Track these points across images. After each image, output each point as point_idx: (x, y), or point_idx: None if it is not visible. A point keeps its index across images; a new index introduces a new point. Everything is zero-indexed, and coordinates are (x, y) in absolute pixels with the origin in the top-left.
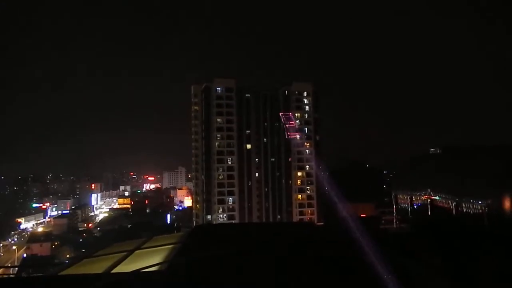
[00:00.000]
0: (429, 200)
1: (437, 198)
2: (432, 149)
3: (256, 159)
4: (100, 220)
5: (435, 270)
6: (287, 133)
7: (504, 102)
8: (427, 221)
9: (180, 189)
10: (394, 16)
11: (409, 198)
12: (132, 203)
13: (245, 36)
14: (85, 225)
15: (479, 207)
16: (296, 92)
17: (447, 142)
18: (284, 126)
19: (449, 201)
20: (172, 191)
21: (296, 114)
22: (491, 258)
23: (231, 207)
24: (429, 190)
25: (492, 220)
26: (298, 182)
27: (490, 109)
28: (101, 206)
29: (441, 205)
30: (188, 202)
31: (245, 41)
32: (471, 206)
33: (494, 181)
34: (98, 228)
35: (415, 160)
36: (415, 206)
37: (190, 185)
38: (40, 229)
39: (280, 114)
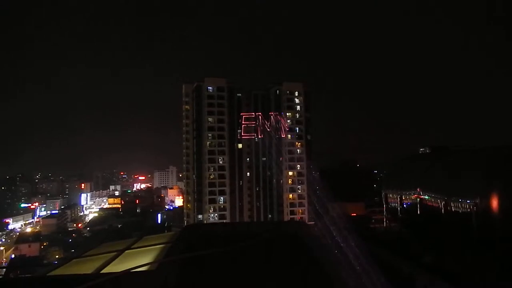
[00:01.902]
0: (418, 199)
1: (426, 197)
2: (421, 149)
3: (248, 159)
4: (90, 220)
5: (424, 267)
6: (278, 133)
7: (495, 104)
8: (416, 220)
9: (171, 188)
10: (386, 16)
11: (399, 198)
12: (123, 202)
13: (238, 37)
14: (75, 225)
15: (467, 206)
16: (288, 91)
17: (436, 143)
18: (275, 125)
19: (438, 200)
20: (163, 191)
21: (287, 114)
22: (478, 256)
23: (222, 206)
24: (418, 189)
25: (480, 219)
26: (289, 182)
27: (480, 110)
28: (91, 206)
29: (430, 204)
30: (179, 201)
31: (237, 42)
32: (459, 205)
33: (482, 181)
34: (88, 228)
35: (405, 160)
36: (404, 206)
37: (181, 184)
38: (28, 229)
39: (271, 113)
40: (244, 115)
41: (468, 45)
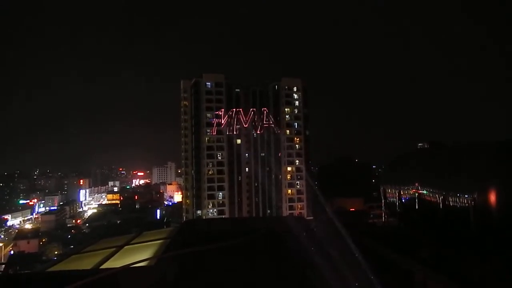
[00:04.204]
0: (416, 194)
1: (424, 192)
2: (420, 144)
3: (246, 154)
4: (88, 216)
5: (423, 262)
6: (276, 128)
7: (494, 100)
8: (414, 215)
9: (170, 184)
10: (383, 15)
11: (397, 192)
12: (121, 198)
13: (237, 35)
14: (74, 221)
15: (465, 201)
16: (286, 87)
17: (434, 138)
18: (273, 121)
19: (436, 195)
20: (161, 187)
21: (285, 109)
22: (476, 250)
23: (221, 202)
24: (416, 184)
25: (478, 213)
26: (288, 177)
27: (479, 106)
28: (89, 202)
29: (429, 199)
30: (178, 197)
31: (236, 40)
32: (457, 200)
33: (480, 176)
34: (87, 224)
35: (403, 155)
36: (403, 200)
37: (180, 180)
38: (27, 225)
39: (268, 109)
40: (216, 113)
41: (467, 43)
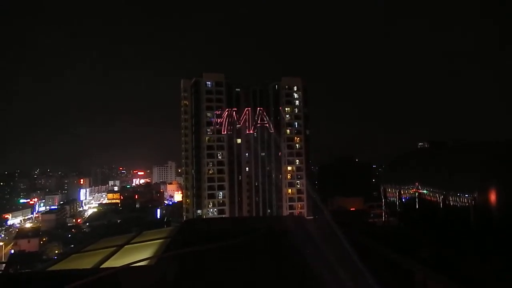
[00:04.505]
0: (417, 194)
1: (424, 191)
2: (420, 144)
3: (247, 154)
4: (89, 215)
5: (423, 262)
6: (271, 128)
7: (495, 99)
8: (415, 214)
9: (170, 183)
10: (382, 13)
11: (398, 192)
12: (122, 198)
13: (235, 36)
14: (74, 220)
15: (465, 201)
16: (286, 86)
17: (435, 137)
18: (268, 120)
19: (437, 195)
20: (162, 186)
21: (286, 109)
22: (476, 250)
23: (221, 201)
24: (417, 184)
25: (477, 213)
26: (288, 177)
27: (480, 106)
28: (90, 201)
29: (429, 198)
30: (178, 197)
31: (235, 41)
32: (457, 200)
33: (480, 175)
34: (87, 224)
35: (403, 154)
36: (403, 200)
37: (180, 180)
38: (27, 225)
39: (266, 108)
40: (216, 112)
41: (467, 41)
